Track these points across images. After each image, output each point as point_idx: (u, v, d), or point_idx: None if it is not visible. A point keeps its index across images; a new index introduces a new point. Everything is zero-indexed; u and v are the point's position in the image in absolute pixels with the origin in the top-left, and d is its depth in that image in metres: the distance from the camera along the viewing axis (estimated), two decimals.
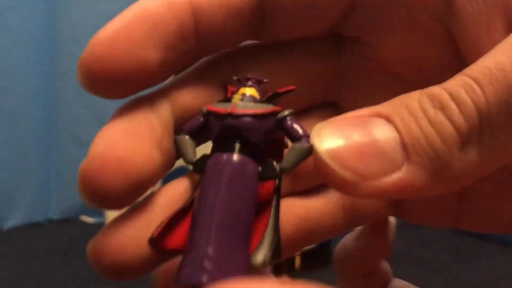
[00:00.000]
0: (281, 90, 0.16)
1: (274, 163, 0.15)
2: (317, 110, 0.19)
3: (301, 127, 0.15)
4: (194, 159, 0.15)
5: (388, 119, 0.14)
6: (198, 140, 0.16)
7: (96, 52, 0.14)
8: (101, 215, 0.64)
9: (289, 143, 0.16)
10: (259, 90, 0.16)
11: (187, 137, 0.16)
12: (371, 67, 0.19)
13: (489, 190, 0.18)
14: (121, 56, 0.14)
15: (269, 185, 0.16)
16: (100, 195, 0.13)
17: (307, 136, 0.15)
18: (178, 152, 0.16)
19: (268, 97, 0.16)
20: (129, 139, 0.14)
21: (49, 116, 0.88)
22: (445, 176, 0.14)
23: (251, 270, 0.14)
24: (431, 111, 0.14)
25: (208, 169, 0.15)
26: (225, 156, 0.15)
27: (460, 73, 0.14)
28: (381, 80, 0.19)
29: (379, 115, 0.14)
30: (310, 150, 0.14)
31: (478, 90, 0.14)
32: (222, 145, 0.15)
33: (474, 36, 0.16)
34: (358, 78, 0.19)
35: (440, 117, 0.13)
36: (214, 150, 0.15)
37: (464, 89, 0.14)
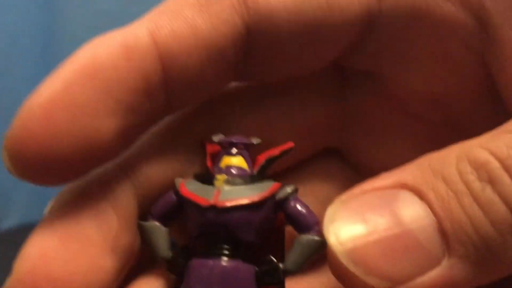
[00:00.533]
0: (275, 152, 0.13)
1: (274, 261, 0.12)
2: (318, 161, 0.16)
3: (308, 210, 0.12)
4: (169, 255, 0.12)
5: (420, 194, 0.11)
6: (172, 222, 0.13)
7: (28, 128, 0.10)
8: None
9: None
10: (248, 157, 0.13)
11: (157, 224, 0.12)
12: (385, 107, 0.15)
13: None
14: (62, 131, 0.10)
15: None
16: None
17: (316, 223, 0.12)
18: (145, 242, 0.12)
19: (261, 167, 0.13)
20: (67, 249, 0.10)
21: None
22: (495, 268, 0.11)
23: None
24: (477, 185, 0.10)
25: (191, 281, 0.12)
26: (210, 263, 0.11)
27: (506, 129, 0.11)
28: (397, 122, 0.15)
29: (406, 187, 0.11)
30: (322, 245, 0.11)
31: None
32: (205, 245, 0.12)
33: None
34: (368, 120, 0.16)
35: (489, 194, 0.10)
36: (193, 247, 0.12)
37: None
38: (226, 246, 0.11)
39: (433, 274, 0.10)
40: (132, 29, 0.12)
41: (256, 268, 0.12)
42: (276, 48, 0.13)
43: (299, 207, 0.12)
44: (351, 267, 0.10)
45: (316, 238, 0.11)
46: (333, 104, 0.16)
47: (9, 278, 0.10)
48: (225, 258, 0.11)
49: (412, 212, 0.10)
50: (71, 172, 0.11)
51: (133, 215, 0.12)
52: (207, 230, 0.12)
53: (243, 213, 0.11)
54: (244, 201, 0.11)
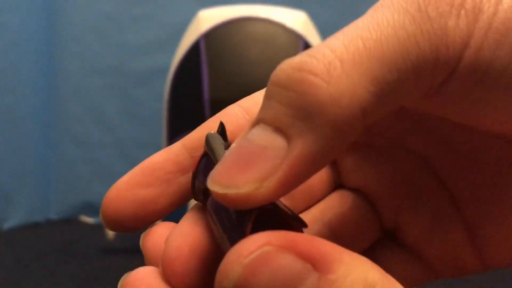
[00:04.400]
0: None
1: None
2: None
3: None
4: None
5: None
6: None
7: (107, 200, 0.16)
8: None
9: None
10: None
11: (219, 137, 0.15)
12: None
13: (495, 223, 0.16)
14: (122, 199, 0.16)
15: None
16: (181, 275, 0.14)
17: None
18: (208, 152, 0.15)
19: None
20: (194, 230, 0.15)
21: (47, 116, 0.88)
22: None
23: None
24: None
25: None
26: None
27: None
28: None
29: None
30: None
31: None
32: None
33: None
34: None
35: None
36: None
37: None
38: None
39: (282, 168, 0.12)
40: (172, 147, 0.17)
41: None
42: None
43: None
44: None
45: None
46: None
47: (165, 250, 0.15)
48: None
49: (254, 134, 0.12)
50: (139, 223, 0.16)
51: None
52: None
53: None
54: None
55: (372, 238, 0.17)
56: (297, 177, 0.12)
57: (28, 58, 0.87)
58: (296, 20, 0.54)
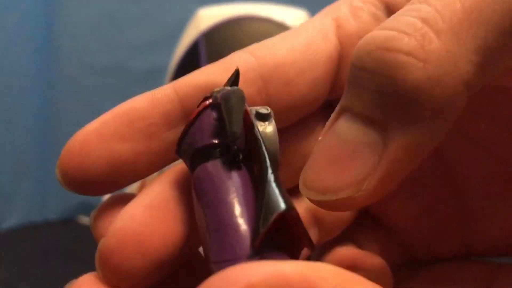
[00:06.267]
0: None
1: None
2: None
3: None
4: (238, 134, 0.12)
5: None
6: None
7: (70, 152, 0.13)
8: None
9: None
10: None
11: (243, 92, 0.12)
12: None
13: (493, 208, 0.16)
14: (91, 152, 0.13)
15: None
16: (119, 273, 0.11)
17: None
18: (225, 111, 0.12)
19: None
20: (149, 215, 0.12)
21: (46, 116, 0.87)
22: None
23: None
24: None
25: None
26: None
27: None
28: None
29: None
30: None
31: None
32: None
33: None
34: None
35: None
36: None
37: None
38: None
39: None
40: (159, 90, 0.14)
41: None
42: None
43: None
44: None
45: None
46: None
47: (105, 235, 0.12)
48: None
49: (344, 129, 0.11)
50: (106, 185, 0.13)
51: None
52: None
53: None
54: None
55: (351, 220, 0.16)
56: (397, 174, 0.11)
57: (26, 57, 0.86)
58: (297, 18, 0.54)
